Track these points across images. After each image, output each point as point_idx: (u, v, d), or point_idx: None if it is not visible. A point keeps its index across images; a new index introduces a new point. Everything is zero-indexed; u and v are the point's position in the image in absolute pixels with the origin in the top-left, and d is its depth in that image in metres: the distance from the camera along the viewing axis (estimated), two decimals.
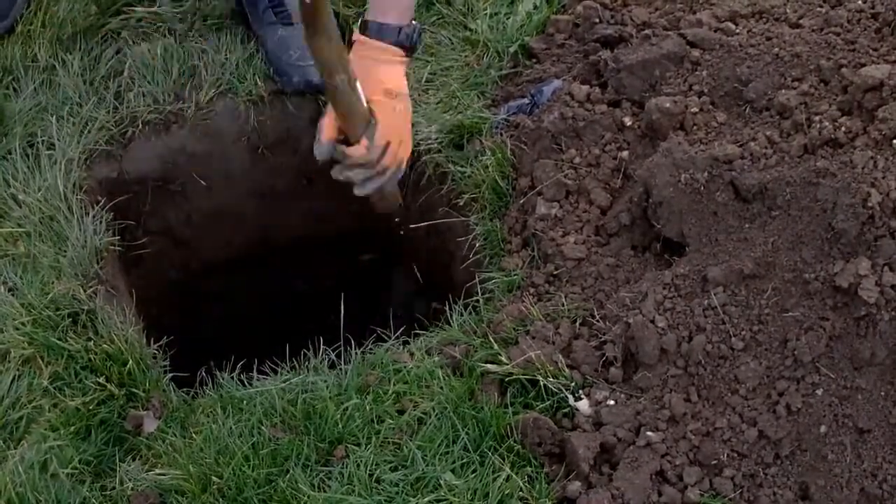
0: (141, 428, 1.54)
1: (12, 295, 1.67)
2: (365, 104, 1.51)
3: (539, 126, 1.82)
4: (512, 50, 2.05)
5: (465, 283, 1.78)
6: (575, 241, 1.69)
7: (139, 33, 2.17)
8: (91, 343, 1.61)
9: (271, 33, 2.07)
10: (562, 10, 2.12)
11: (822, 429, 1.40)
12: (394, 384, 1.53)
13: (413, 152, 1.97)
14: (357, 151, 1.54)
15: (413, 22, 1.59)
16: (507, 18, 2.12)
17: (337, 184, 2.20)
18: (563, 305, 1.60)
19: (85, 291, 1.69)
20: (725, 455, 1.40)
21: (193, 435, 1.51)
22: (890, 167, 1.42)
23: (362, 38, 1.57)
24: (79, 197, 1.85)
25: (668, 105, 1.69)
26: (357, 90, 1.47)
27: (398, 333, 1.67)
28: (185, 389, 1.65)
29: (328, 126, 1.53)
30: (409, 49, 1.58)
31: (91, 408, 1.54)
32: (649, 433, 1.41)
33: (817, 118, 1.55)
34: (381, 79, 1.55)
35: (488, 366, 1.52)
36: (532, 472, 1.41)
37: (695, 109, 1.69)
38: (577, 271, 1.66)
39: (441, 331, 1.66)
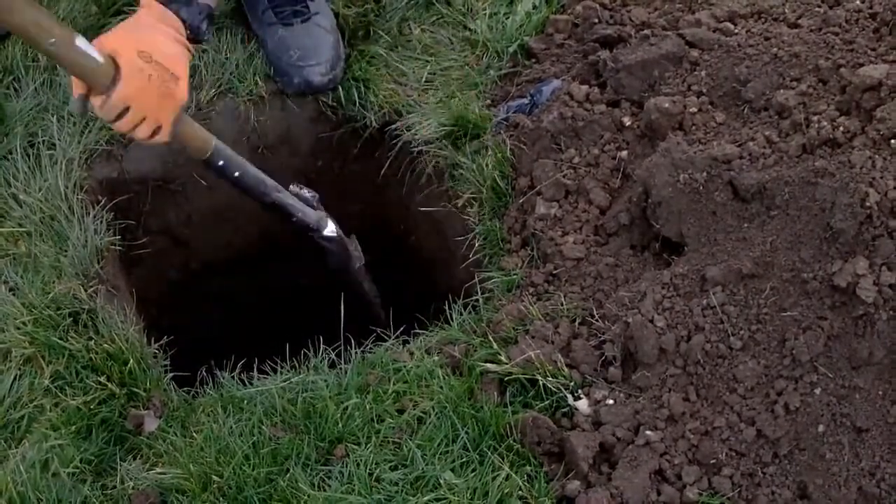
0: (142, 427, 1.55)
1: (13, 294, 1.68)
2: (100, 61, 1.36)
3: (538, 126, 1.82)
4: (511, 50, 2.06)
5: (465, 282, 1.78)
6: (574, 240, 1.69)
7: None
8: (92, 342, 1.61)
9: (271, 34, 2.07)
10: (561, 10, 2.12)
11: (821, 428, 1.40)
12: (394, 383, 1.53)
13: (412, 151, 1.98)
14: (96, 105, 1.42)
15: (205, 2, 1.52)
16: (507, 18, 2.12)
17: (337, 184, 2.20)
18: (562, 305, 1.60)
19: (86, 291, 1.69)
20: (724, 454, 1.40)
21: (194, 434, 1.51)
22: (888, 167, 1.42)
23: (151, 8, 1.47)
24: (79, 197, 1.85)
25: (666, 105, 1.70)
26: (81, 49, 1.34)
27: (397, 333, 1.67)
28: (185, 389, 1.65)
29: (75, 81, 1.41)
30: (192, 30, 1.51)
31: (92, 407, 1.54)
32: (648, 432, 1.41)
33: (816, 118, 1.55)
34: (139, 39, 1.43)
35: (488, 365, 1.52)
36: (531, 471, 1.41)
37: (694, 109, 1.69)
38: (577, 271, 1.66)
39: (441, 330, 1.66)
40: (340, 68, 2.07)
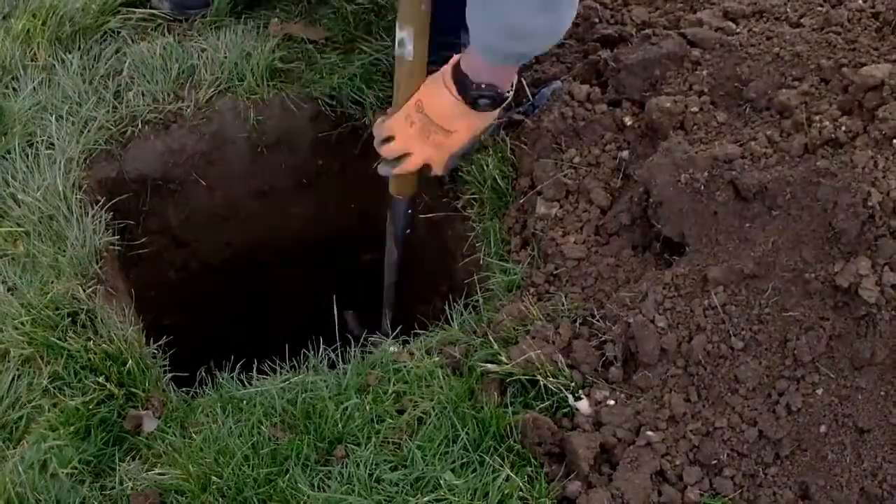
0: (140, 427, 1.54)
1: (12, 294, 1.67)
2: (405, 91, 1.69)
3: (539, 126, 1.82)
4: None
5: (465, 281, 1.78)
6: (575, 240, 1.69)
7: (139, 32, 2.17)
8: (90, 343, 1.61)
9: None
10: None
11: (822, 428, 1.40)
12: (394, 384, 1.53)
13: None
14: (379, 119, 1.76)
15: (493, 89, 1.62)
16: None
17: (336, 183, 2.20)
18: (563, 305, 1.60)
19: (84, 291, 1.69)
20: (725, 455, 1.40)
21: (193, 435, 1.50)
22: (890, 167, 1.42)
23: (456, 63, 1.63)
24: (78, 196, 1.84)
25: (668, 105, 1.69)
26: (413, 69, 1.67)
27: (396, 332, 1.67)
28: (184, 389, 1.65)
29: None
30: (469, 101, 1.64)
31: (91, 407, 1.54)
32: (649, 433, 1.41)
33: (818, 118, 1.54)
34: (424, 92, 1.68)
35: (488, 365, 1.51)
36: (532, 471, 1.41)
37: (695, 109, 1.69)
38: (577, 271, 1.66)
39: (441, 330, 1.66)
40: None
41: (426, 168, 1.77)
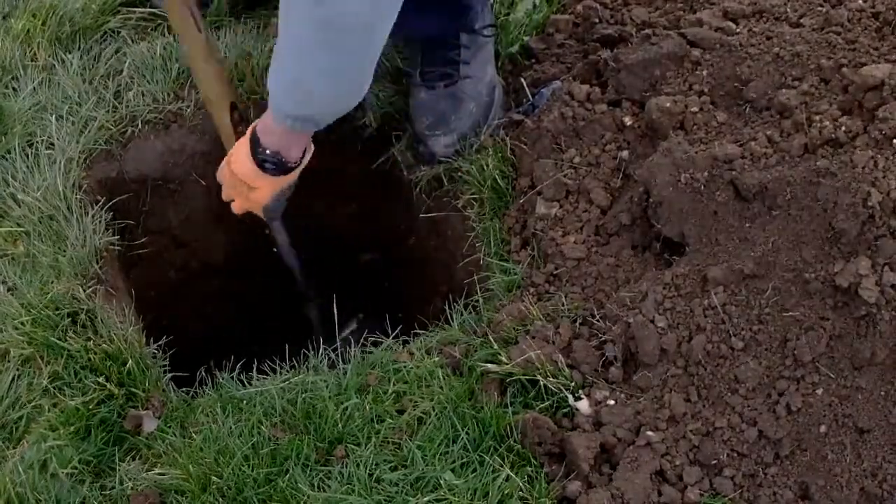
0: (140, 427, 1.54)
1: (11, 294, 1.67)
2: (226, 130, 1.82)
3: (539, 126, 1.82)
4: (511, 50, 2.05)
5: (465, 282, 1.78)
6: (575, 240, 1.69)
7: (138, 32, 2.17)
8: (90, 343, 1.61)
9: (415, 94, 1.97)
10: (561, 10, 2.12)
11: (822, 428, 1.40)
12: (393, 384, 1.53)
13: None
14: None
15: (277, 156, 1.61)
16: (507, 18, 2.11)
17: (336, 183, 2.20)
18: (563, 305, 1.60)
19: (84, 291, 1.69)
20: (725, 455, 1.40)
21: (193, 435, 1.50)
22: (890, 167, 1.42)
23: (253, 125, 1.64)
24: (78, 196, 1.84)
25: (668, 104, 1.69)
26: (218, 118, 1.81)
27: (396, 332, 1.67)
28: (184, 389, 1.65)
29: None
30: (258, 163, 1.64)
31: (91, 407, 1.54)
32: (649, 433, 1.41)
33: (818, 118, 1.54)
34: (236, 146, 1.70)
35: (488, 365, 1.51)
36: (532, 471, 1.41)
37: (695, 109, 1.69)
38: (577, 271, 1.66)
39: (441, 330, 1.66)
40: (470, 138, 1.92)
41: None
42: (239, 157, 1.66)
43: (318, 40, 1.35)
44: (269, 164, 1.62)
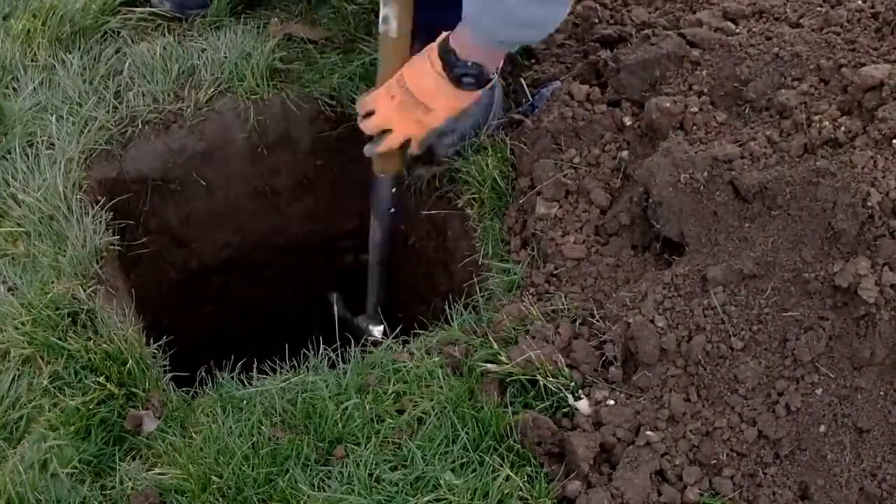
0: (140, 427, 1.54)
1: (12, 294, 1.67)
2: (388, 68, 1.71)
3: (539, 126, 1.82)
4: (511, 50, 2.05)
5: (465, 282, 1.78)
6: (575, 240, 1.69)
7: (139, 32, 2.17)
8: (91, 342, 1.61)
9: None
10: None
11: (822, 428, 1.40)
12: (393, 384, 1.53)
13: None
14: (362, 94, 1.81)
15: (479, 69, 1.63)
16: None
17: (336, 183, 2.20)
18: (562, 305, 1.60)
19: (84, 291, 1.69)
20: (725, 455, 1.40)
21: (193, 434, 1.50)
22: (890, 167, 1.42)
23: (444, 40, 1.64)
24: (78, 196, 1.84)
25: (667, 105, 1.69)
26: (396, 46, 1.70)
27: (396, 332, 1.67)
28: (184, 389, 1.65)
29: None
30: (454, 79, 1.64)
31: (91, 407, 1.54)
32: (649, 433, 1.41)
33: (817, 118, 1.55)
34: (408, 67, 1.68)
35: (488, 365, 1.51)
36: (532, 471, 1.41)
37: (695, 109, 1.69)
38: (577, 271, 1.66)
39: (441, 330, 1.66)
40: (471, 138, 1.93)
41: (405, 145, 1.79)
42: (420, 74, 1.66)
43: None
44: (470, 77, 1.64)
